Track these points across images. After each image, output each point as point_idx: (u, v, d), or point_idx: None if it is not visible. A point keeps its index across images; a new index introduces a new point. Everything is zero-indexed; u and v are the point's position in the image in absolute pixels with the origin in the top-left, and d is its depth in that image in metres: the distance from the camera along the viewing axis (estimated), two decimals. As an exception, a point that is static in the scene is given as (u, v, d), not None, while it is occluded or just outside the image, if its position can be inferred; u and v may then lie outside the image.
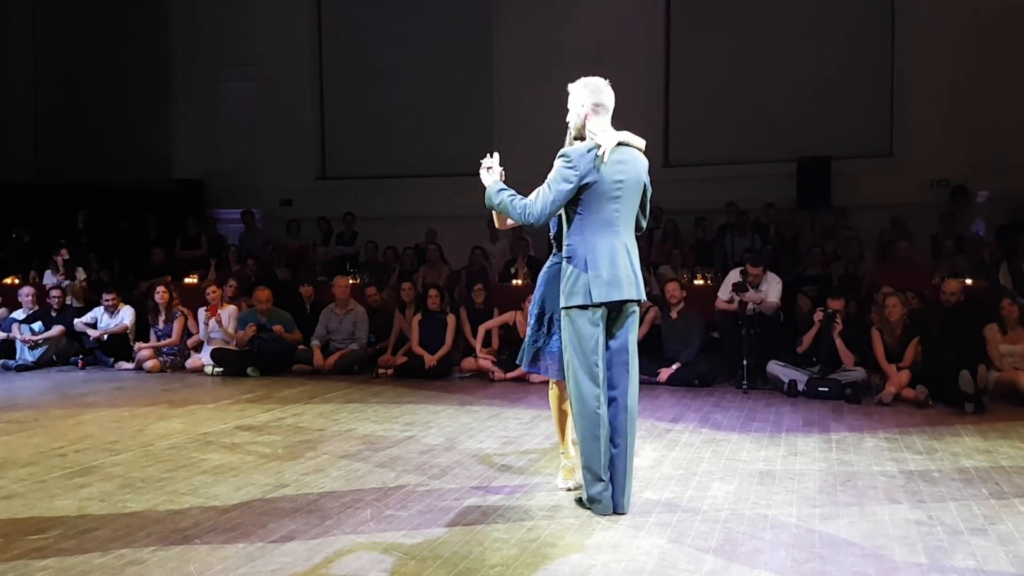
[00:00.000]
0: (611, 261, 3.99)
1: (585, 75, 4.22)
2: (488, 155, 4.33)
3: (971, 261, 9.25)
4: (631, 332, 4.11)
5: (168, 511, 4.18)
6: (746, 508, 4.19)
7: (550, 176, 4.04)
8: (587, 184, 3.98)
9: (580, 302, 4.00)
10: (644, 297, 4.13)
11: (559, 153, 4.06)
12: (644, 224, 4.28)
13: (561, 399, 4.39)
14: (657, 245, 10.69)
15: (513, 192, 4.17)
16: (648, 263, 10.15)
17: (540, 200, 4.02)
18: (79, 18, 14.98)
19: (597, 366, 3.99)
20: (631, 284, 4.03)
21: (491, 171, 4.28)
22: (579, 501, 4.18)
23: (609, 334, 4.08)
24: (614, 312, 4.07)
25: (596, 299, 3.97)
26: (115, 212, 12.76)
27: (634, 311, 4.12)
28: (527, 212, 4.04)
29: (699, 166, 11.67)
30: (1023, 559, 3.52)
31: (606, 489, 4.01)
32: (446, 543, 3.71)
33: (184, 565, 3.48)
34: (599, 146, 3.99)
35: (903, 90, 11.22)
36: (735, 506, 4.22)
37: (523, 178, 4.92)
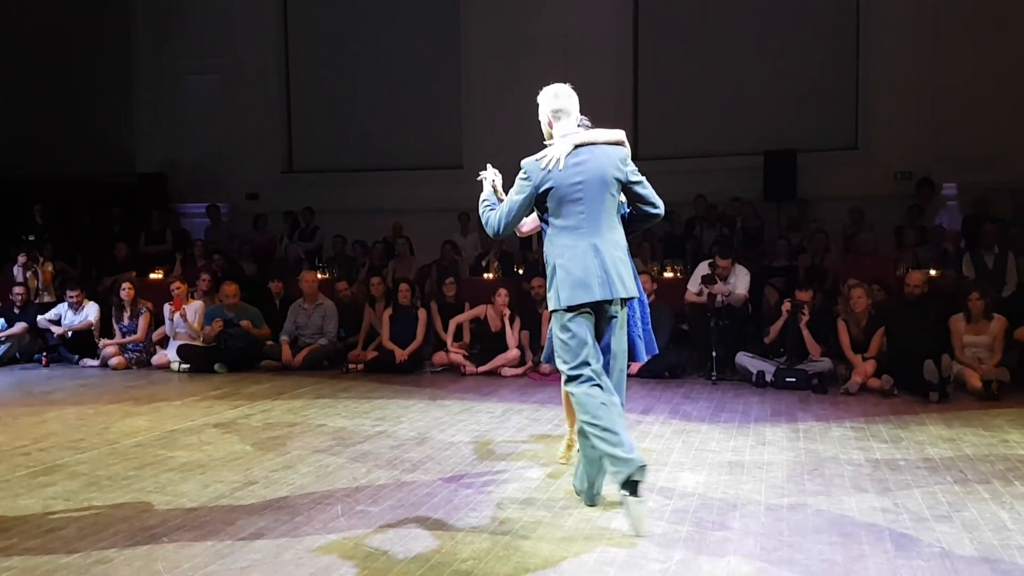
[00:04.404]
0: (576, 264, 3.95)
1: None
2: (486, 167, 4.38)
3: (934, 252, 9.39)
4: (612, 334, 4.05)
5: (135, 509, 4.13)
6: (715, 498, 4.23)
7: (511, 188, 4.10)
8: (547, 191, 3.99)
9: (553, 306, 4.03)
10: (624, 294, 3.99)
11: (520, 164, 4.09)
12: (653, 211, 4.16)
13: None
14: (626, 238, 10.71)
15: (491, 203, 4.22)
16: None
17: (497, 212, 4.13)
18: (39, 6, 14.67)
19: (587, 364, 3.95)
20: (603, 284, 3.94)
21: (485, 180, 4.33)
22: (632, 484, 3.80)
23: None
24: (596, 313, 4.02)
25: (564, 302, 3.95)
26: (77, 206, 12.55)
27: (613, 312, 4.03)
28: (488, 224, 4.17)
29: (667, 159, 11.71)
30: (987, 545, 3.58)
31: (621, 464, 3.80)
32: (418, 537, 3.70)
33: (151, 564, 3.44)
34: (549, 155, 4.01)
35: (867, 84, 11.36)
36: (705, 496, 4.25)
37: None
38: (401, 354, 8.48)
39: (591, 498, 4.09)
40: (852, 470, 4.75)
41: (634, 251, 10.25)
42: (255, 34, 13.79)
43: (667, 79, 12.21)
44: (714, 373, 7.73)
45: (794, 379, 7.35)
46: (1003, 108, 10.59)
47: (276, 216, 12.64)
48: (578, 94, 4.16)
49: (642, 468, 3.72)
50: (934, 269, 8.75)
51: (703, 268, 8.38)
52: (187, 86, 14.15)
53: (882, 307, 7.78)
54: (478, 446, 5.37)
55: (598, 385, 3.94)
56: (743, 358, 7.78)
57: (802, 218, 10.84)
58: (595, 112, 4.24)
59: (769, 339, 7.81)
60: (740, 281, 8.28)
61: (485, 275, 10.09)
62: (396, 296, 8.81)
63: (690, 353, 8.44)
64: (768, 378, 7.48)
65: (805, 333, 7.57)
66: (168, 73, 14.18)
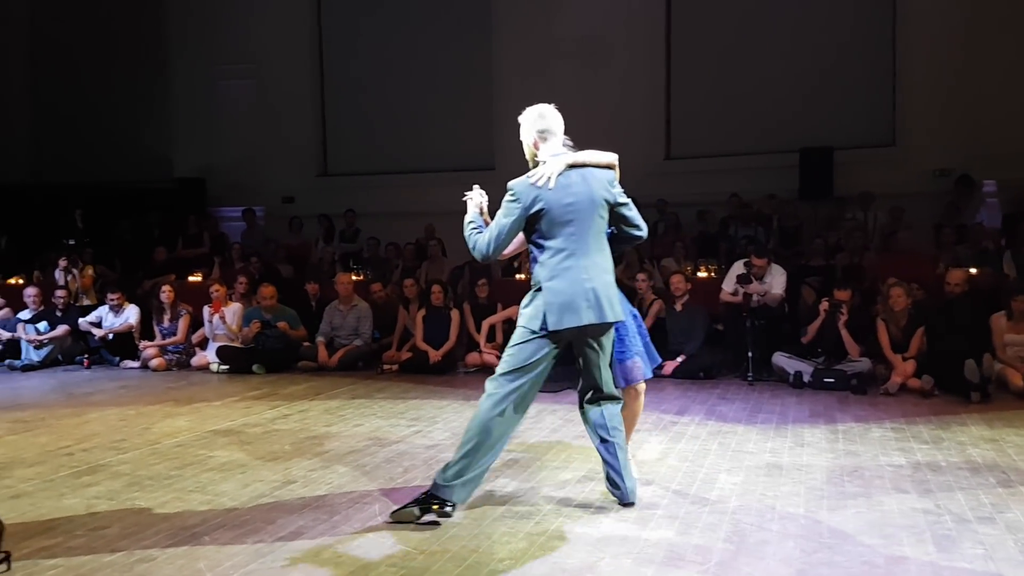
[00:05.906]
0: (567, 286, 3.89)
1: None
2: (472, 187, 4.32)
3: (974, 250, 9.24)
4: (597, 357, 4.02)
5: (176, 509, 4.19)
6: (753, 499, 4.20)
7: (499, 211, 4.02)
8: (538, 212, 3.93)
9: (535, 326, 3.92)
10: (612, 319, 3.95)
11: (507, 186, 4.03)
12: (636, 233, 4.15)
13: (626, 404, 4.28)
14: (660, 238, 10.68)
15: (478, 225, 4.13)
16: (651, 256, 10.15)
17: (486, 235, 4.03)
18: (77, 17, 14.96)
19: (525, 390, 3.92)
20: (591, 308, 3.88)
21: (471, 201, 4.25)
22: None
23: (578, 360, 4.04)
24: (581, 337, 3.96)
25: (551, 326, 3.88)
26: (116, 211, 12.77)
27: (600, 335, 3.98)
28: (476, 247, 4.06)
29: (701, 158, 11.64)
30: (1032, 547, 3.52)
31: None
32: (454, 537, 3.71)
33: (193, 562, 3.49)
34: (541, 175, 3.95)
35: (904, 79, 11.20)
36: (742, 498, 4.22)
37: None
38: (435, 355, 8.51)
39: (625, 495, 4.06)
40: (892, 471, 4.68)
41: (667, 251, 10.33)
42: (289, 39, 13.94)
43: (700, 77, 12.10)
44: (750, 374, 7.66)
45: (832, 380, 7.26)
46: (1042, 104, 10.40)
47: (311, 219, 12.76)
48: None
49: (452, 506, 3.90)
50: (974, 267, 8.60)
51: (738, 267, 8.32)
52: (222, 91, 14.33)
53: (922, 306, 7.67)
54: (512, 446, 5.36)
55: (500, 401, 3.89)
56: (780, 358, 7.70)
57: (840, 216, 10.71)
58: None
59: (807, 339, 7.72)
60: (776, 280, 8.20)
61: (517, 276, 10.08)
62: (429, 297, 8.85)
63: (725, 354, 8.37)
64: (806, 379, 7.40)
65: (844, 333, 7.48)
66: (203, 79, 14.37)
